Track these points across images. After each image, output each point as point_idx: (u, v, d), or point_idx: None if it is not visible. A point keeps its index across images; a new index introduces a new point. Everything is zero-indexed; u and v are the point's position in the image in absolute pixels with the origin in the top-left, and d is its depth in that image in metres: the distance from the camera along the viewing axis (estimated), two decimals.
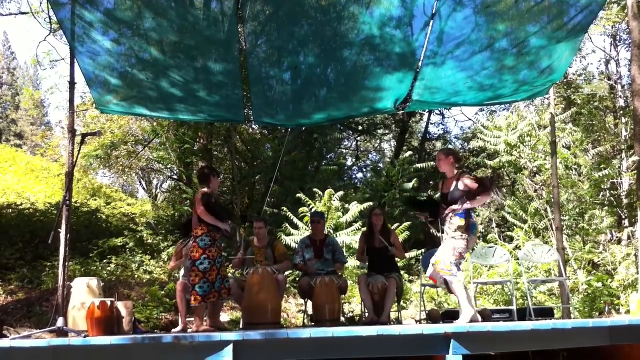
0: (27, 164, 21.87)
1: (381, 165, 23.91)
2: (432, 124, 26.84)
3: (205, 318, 6.36)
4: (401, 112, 9.82)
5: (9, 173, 19.30)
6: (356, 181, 24.34)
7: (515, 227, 13.10)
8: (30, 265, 11.03)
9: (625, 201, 14.29)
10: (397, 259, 7.53)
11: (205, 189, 6.25)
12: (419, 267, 9.56)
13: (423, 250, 11.07)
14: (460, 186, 5.87)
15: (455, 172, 6.01)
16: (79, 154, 6.07)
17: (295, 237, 11.29)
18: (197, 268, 5.99)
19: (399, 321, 7.80)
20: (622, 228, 14.47)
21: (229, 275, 6.94)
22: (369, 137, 27.12)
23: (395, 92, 7.64)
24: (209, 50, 6.90)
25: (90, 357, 4.34)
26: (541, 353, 5.55)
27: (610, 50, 21.88)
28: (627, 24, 15.31)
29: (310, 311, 7.57)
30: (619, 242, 14.11)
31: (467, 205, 5.77)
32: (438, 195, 6.49)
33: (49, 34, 12.52)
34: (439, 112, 25.77)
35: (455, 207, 5.81)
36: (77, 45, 6.39)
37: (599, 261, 12.19)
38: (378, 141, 29.06)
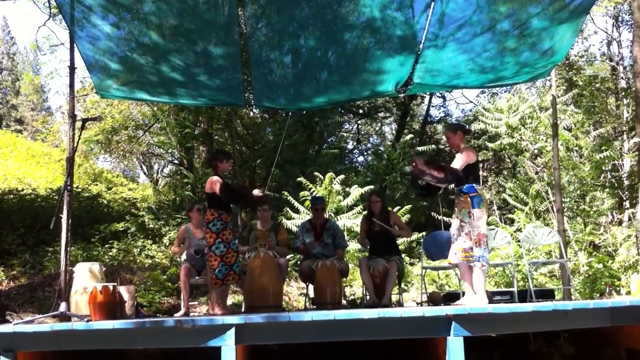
0: (27, 150, 21.86)
1: (382, 148, 23.83)
2: (433, 106, 26.78)
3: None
4: (402, 95, 9.77)
5: (9, 158, 19.30)
6: (357, 164, 24.34)
7: (516, 209, 13.11)
8: (32, 250, 11.07)
9: (626, 182, 14.29)
10: (399, 240, 7.54)
11: (214, 179, 6.27)
12: (420, 250, 9.58)
13: (424, 233, 11.08)
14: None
15: (462, 146, 5.94)
16: (79, 139, 6.07)
17: (296, 220, 11.30)
18: (213, 253, 6.09)
19: (400, 304, 7.83)
20: (622, 209, 14.47)
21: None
22: (369, 120, 27.07)
23: (396, 74, 7.61)
24: (208, 34, 6.86)
25: (93, 342, 4.37)
26: (542, 334, 5.58)
27: (612, 31, 21.75)
28: (629, 4, 15.22)
29: (311, 294, 7.60)
30: (620, 223, 14.14)
31: (421, 166, 5.72)
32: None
33: (48, 19, 12.44)
34: (440, 95, 25.69)
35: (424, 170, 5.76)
36: (77, 30, 6.35)
37: (599, 242, 12.21)
38: (379, 124, 29.00)
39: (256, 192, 6.37)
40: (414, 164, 5.85)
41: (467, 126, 6.15)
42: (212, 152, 14.14)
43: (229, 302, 9.55)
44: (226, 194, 6.15)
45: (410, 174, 5.90)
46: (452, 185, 5.84)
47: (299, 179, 12.50)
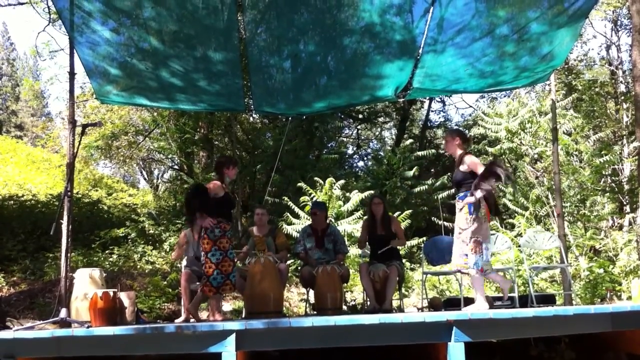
0: (27, 155, 21.85)
1: (382, 153, 23.85)
2: (432, 111, 26.82)
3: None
4: (402, 100, 9.79)
5: (9, 164, 19.29)
6: (357, 169, 24.35)
7: (516, 214, 13.10)
8: (32, 256, 11.04)
9: (626, 187, 14.28)
10: (398, 246, 7.53)
11: (216, 182, 6.18)
12: (421, 255, 9.57)
13: (424, 238, 11.07)
14: (463, 167, 5.80)
15: (460, 152, 5.93)
16: (79, 144, 6.06)
17: (296, 226, 11.30)
18: (209, 260, 6.00)
19: (400, 309, 7.81)
20: (623, 214, 14.45)
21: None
22: (369, 125, 27.10)
23: (395, 79, 7.62)
24: (208, 39, 6.87)
25: (93, 348, 4.35)
26: (543, 339, 5.57)
27: (611, 36, 21.81)
28: (628, 8, 15.25)
29: (312, 300, 7.59)
30: (620, 228, 14.10)
31: (479, 194, 5.62)
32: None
33: (48, 24, 12.49)
34: (439, 100, 25.74)
35: (468, 199, 5.68)
36: (76, 35, 6.36)
37: (600, 247, 12.18)
38: (379, 129, 29.02)
39: (208, 221, 6.22)
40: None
41: (468, 134, 6.14)
42: (218, 157, 14.21)
43: (229, 307, 9.56)
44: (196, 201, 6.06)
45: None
46: (453, 191, 5.83)
47: (299, 184, 12.51)
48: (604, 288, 9.59)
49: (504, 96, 19.98)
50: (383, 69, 7.46)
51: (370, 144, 29.49)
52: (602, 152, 12.71)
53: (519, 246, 8.68)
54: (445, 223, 12.46)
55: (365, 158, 26.77)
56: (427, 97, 22.62)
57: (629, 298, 8.87)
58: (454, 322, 4.29)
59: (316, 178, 12.55)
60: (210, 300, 6.21)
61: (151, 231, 13.36)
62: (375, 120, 25.21)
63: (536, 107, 13.56)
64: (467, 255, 5.63)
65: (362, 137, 28.57)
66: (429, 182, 16.36)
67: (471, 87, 8.09)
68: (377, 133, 29.60)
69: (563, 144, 12.36)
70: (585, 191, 12.82)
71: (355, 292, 10.68)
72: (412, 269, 12.36)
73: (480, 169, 5.63)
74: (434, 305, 7.87)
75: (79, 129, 6.06)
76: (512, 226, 13.23)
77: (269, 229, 7.72)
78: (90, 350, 4.37)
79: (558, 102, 12.78)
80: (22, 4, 14.54)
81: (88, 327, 4.82)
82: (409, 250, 12.52)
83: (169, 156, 19.28)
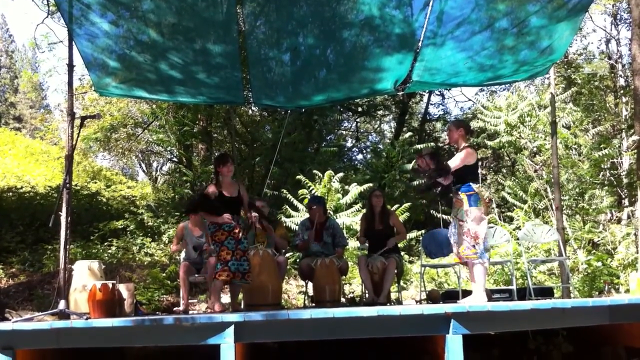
0: (26, 147, 21.86)
1: (381, 146, 23.78)
2: (432, 104, 26.73)
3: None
4: (401, 93, 9.75)
5: (8, 156, 19.31)
6: (356, 162, 24.29)
7: (515, 207, 13.11)
8: (31, 248, 11.06)
9: (625, 180, 14.29)
10: (398, 241, 7.54)
11: (212, 187, 6.28)
12: (419, 248, 9.58)
13: (423, 231, 11.08)
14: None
15: (462, 144, 5.94)
16: (78, 136, 6.05)
17: (295, 218, 11.29)
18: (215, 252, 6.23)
19: (399, 301, 7.83)
20: (621, 207, 14.46)
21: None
22: (368, 118, 27.01)
23: (395, 73, 7.61)
24: (207, 32, 6.86)
25: (92, 339, 4.36)
26: (541, 332, 5.59)
27: (611, 29, 21.76)
28: (628, 2, 15.22)
29: (310, 292, 7.60)
30: (619, 221, 14.12)
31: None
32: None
33: (47, 16, 12.42)
34: (438, 93, 25.65)
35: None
36: (75, 28, 6.34)
37: (598, 240, 12.20)
38: (378, 122, 28.94)
39: (227, 216, 6.27)
40: (420, 161, 5.84)
41: (471, 126, 6.18)
42: (213, 153, 14.21)
43: (228, 299, 9.56)
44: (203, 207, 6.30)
45: (412, 171, 5.88)
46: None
47: (298, 177, 12.50)
48: (602, 281, 9.60)
49: (503, 90, 19.96)
50: (382, 62, 7.45)
51: (370, 137, 29.42)
52: (601, 146, 12.71)
53: (518, 239, 8.69)
54: (444, 216, 12.45)
55: (364, 151, 26.72)
56: (427, 91, 22.58)
57: (627, 291, 8.89)
58: (452, 314, 4.30)
59: (315, 171, 12.54)
60: (210, 291, 6.27)
61: (150, 223, 13.36)
62: (375, 113, 25.11)
63: (535, 101, 13.54)
64: (474, 246, 5.63)
65: (361, 130, 28.50)
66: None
67: (470, 81, 8.08)
68: (376, 126, 29.53)
69: (562, 138, 12.36)
70: (584, 184, 12.83)
71: (354, 285, 10.69)
72: (410, 262, 12.36)
73: (454, 162, 5.75)
74: (432, 297, 7.89)
75: (77, 121, 6.06)
76: (511, 219, 13.25)
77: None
78: (89, 342, 4.38)
79: (557, 95, 12.77)
80: None
81: (87, 318, 4.83)
82: (407, 243, 12.53)
83: (167, 149, 19.25)
